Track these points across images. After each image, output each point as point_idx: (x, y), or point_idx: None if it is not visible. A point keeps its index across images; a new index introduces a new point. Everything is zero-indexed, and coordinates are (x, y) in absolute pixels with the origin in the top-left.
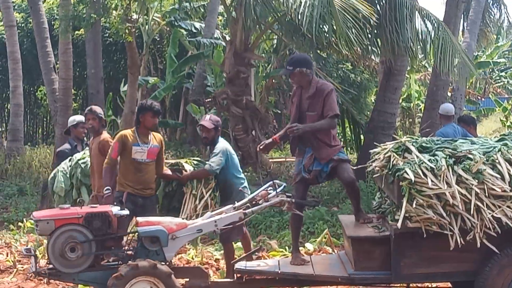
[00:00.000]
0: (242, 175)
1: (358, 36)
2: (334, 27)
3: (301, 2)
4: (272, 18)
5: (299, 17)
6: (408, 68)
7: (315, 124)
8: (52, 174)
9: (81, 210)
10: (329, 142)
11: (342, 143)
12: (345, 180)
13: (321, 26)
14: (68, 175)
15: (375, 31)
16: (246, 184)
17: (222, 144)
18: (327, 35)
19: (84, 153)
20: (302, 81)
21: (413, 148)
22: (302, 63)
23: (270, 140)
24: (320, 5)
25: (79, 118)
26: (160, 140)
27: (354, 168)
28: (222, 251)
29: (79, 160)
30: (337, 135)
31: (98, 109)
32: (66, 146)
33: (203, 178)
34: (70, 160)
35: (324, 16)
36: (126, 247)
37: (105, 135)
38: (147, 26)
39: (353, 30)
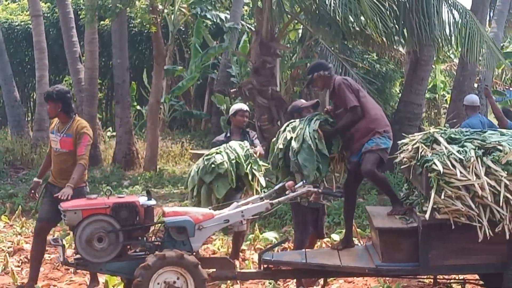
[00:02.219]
0: None
1: (385, 24)
2: (362, 16)
3: None
4: (298, 8)
5: (327, 5)
6: (434, 58)
7: (341, 125)
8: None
9: (108, 200)
10: (360, 134)
11: None
12: (362, 170)
13: (349, 13)
14: (197, 170)
15: (402, 21)
16: None
17: None
18: (354, 24)
19: (218, 148)
20: (325, 84)
21: (442, 139)
22: (317, 68)
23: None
24: None
25: (238, 106)
26: (75, 129)
27: None
28: (248, 242)
29: (205, 156)
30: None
31: None
32: (220, 136)
33: None
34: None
35: (352, 4)
36: (153, 238)
37: None
38: (172, 16)
39: (379, 18)
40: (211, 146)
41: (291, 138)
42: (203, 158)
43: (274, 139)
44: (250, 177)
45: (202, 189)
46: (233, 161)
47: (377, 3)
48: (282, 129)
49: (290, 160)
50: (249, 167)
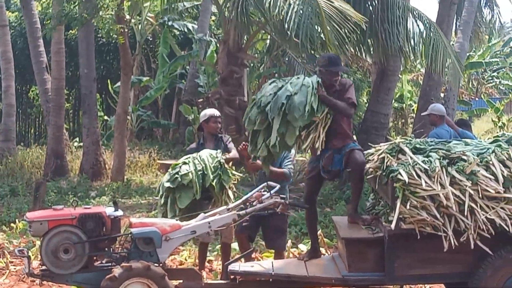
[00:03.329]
0: None
1: (349, 38)
2: (323, 31)
3: (289, 8)
4: (265, 19)
5: (289, 23)
6: (401, 68)
7: (336, 101)
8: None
9: (75, 211)
10: (341, 137)
11: None
12: (357, 160)
13: (309, 31)
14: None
15: (368, 32)
16: None
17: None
18: (317, 38)
19: (187, 158)
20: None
21: (407, 149)
22: (340, 67)
23: None
24: (308, 11)
25: (211, 112)
26: None
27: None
28: (215, 253)
29: (173, 165)
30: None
31: None
32: (193, 144)
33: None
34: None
35: (312, 22)
36: (120, 249)
37: None
38: (140, 26)
39: (343, 32)
40: (184, 155)
41: (282, 86)
42: (171, 167)
43: (254, 96)
44: (216, 189)
45: (168, 198)
46: (200, 173)
47: (341, 16)
48: (267, 84)
49: (275, 105)
50: (216, 179)
